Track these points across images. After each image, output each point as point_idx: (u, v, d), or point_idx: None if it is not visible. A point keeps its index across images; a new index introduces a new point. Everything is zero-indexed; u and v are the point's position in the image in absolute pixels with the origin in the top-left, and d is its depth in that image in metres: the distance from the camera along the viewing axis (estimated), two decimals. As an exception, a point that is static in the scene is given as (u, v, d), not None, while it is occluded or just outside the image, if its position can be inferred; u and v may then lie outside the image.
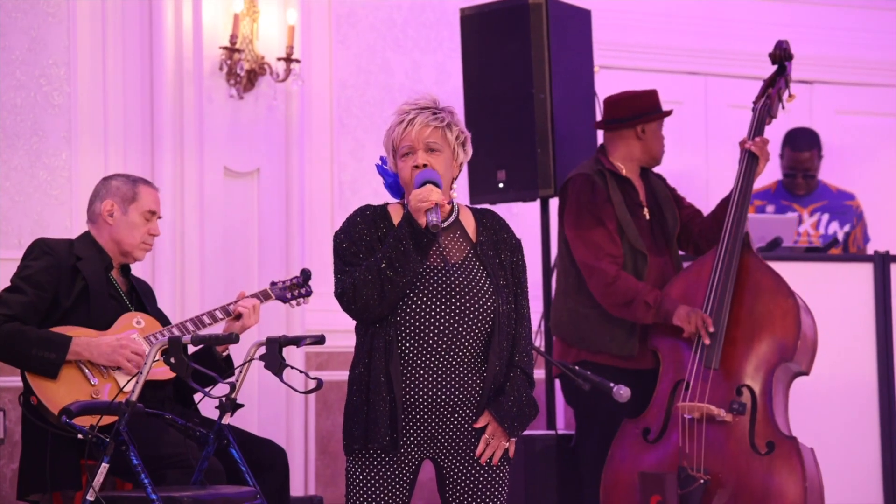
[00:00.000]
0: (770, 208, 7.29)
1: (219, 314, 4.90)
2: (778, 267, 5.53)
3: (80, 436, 4.14)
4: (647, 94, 5.73)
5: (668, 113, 5.71)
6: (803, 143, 7.36)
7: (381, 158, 3.97)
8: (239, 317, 4.88)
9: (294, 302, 5.09)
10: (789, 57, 5.71)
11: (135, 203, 4.87)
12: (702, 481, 5.24)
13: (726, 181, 5.89)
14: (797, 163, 7.33)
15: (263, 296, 5.01)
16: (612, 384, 5.05)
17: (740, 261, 5.43)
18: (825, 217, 7.30)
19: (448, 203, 3.88)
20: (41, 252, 4.79)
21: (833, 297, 5.99)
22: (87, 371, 4.66)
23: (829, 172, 7.64)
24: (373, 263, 3.74)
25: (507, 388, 3.81)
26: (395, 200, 3.96)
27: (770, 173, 6.58)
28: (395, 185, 3.93)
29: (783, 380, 5.40)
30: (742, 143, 5.59)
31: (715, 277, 5.40)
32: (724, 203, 5.61)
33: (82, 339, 4.65)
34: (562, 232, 5.65)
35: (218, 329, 4.86)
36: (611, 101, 5.71)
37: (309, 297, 5.10)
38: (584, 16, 6.33)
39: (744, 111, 5.92)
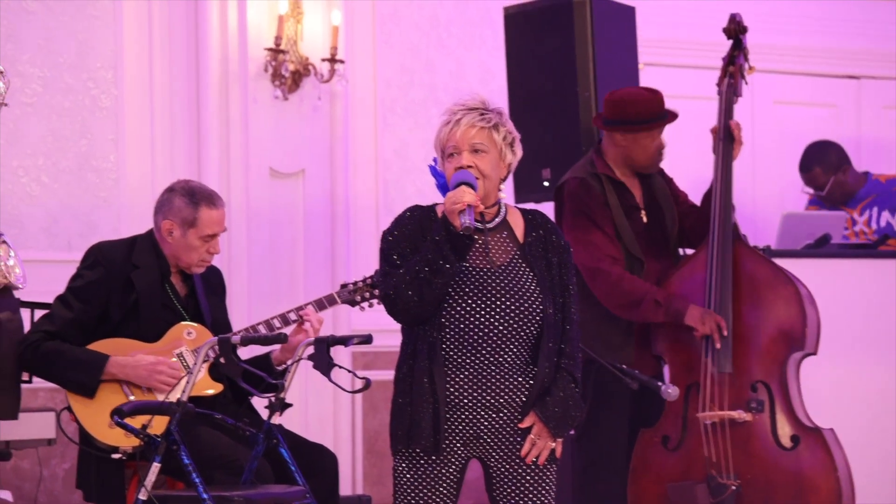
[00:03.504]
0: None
1: (276, 322, 4.89)
2: (827, 264, 5.46)
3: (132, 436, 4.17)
4: (639, 99, 5.48)
5: (638, 126, 5.42)
6: (803, 163, 7.21)
7: (434, 159, 3.97)
8: (302, 329, 4.84)
9: (365, 304, 5.03)
10: (744, 30, 5.56)
11: (194, 228, 4.80)
12: (733, 487, 5.18)
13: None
14: (809, 182, 7.18)
15: (329, 301, 4.97)
16: (660, 383, 5.01)
17: (733, 253, 5.31)
18: (875, 210, 7.17)
19: (494, 204, 3.88)
20: (95, 262, 4.79)
21: (889, 294, 5.88)
22: (125, 388, 4.69)
23: (880, 167, 7.57)
24: (412, 265, 3.74)
25: (553, 389, 3.81)
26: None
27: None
28: (445, 186, 3.92)
29: (794, 368, 5.30)
30: (714, 130, 5.48)
31: (712, 274, 5.28)
32: (708, 196, 5.48)
33: (118, 359, 4.66)
34: None
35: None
36: (607, 99, 5.54)
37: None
38: (628, 12, 6.30)
39: (789, 107, 5.88)
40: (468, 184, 3.75)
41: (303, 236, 6.83)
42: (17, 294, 4.67)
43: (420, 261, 3.73)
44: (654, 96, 5.50)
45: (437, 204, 3.93)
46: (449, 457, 3.80)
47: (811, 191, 7.18)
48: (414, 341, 3.80)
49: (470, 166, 3.79)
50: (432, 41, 7.30)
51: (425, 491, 3.80)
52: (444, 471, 3.80)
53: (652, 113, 5.46)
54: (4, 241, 3.69)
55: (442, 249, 3.71)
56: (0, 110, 3.81)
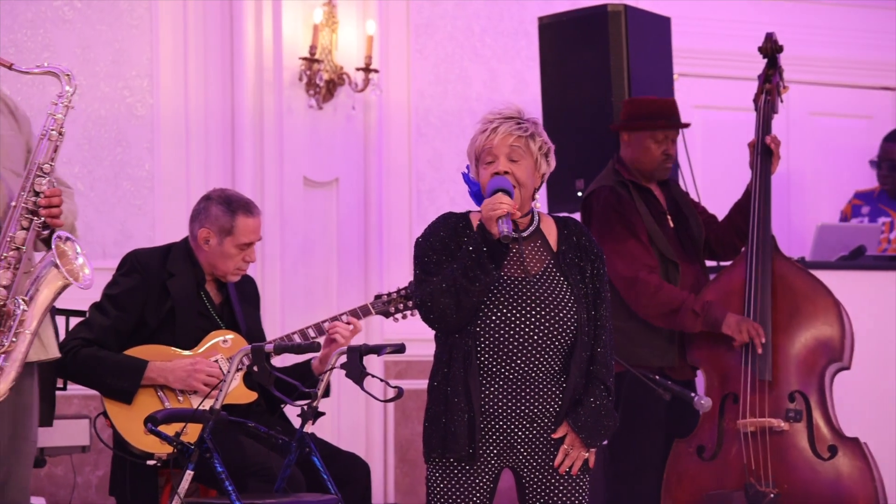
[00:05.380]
0: (865, 209, 7.14)
1: (311, 332, 4.90)
2: (862, 276, 5.44)
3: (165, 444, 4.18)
4: (647, 101, 5.57)
5: (639, 124, 5.46)
6: (892, 134, 7.17)
7: (468, 167, 3.97)
8: (333, 340, 4.85)
9: (399, 316, 5.02)
10: (779, 49, 5.60)
11: (231, 236, 4.82)
12: (772, 495, 5.16)
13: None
14: (886, 153, 7.12)
15: (363, 311, 4.97)
16: (693, 394, 5.00)
17: (772, 265, 5.32)
18: None
19: (528, 213, 3.88)
20: (131, 269, 4.82)
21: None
22: (161, 394, 4.70)
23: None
24: (448, 273, 3.74)
25: (586, 399, 3.80)
26: (478, 209, 3.96)
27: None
28: (478, 194, 3.92)
29: (829, 380, 5.30)
30: (753, 144, 5.48)
31: (750, 284, 5.28)
32: (739, 207, 5.49)
33: (157, 363, 4.69)
34: None
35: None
36: (623, 103, 5.62)
37: (416, 311, 4.99)
38: (663, 23, 6.30)
39: (825, 119, 5.86)
40: (505, 191, 3.74)
41: (336, 245, 6.84)
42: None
43: (457, 269, 3.72)
44: (665, 101, 5.57)
45: (470, 211, 3.93)
46: (483, 466, 3.79)
47: (876, 169, 7.13)
48: (448, 350, 3.79)
49: (507, 172, 3.79)
50: (466, 51, 7.30)
51: (459, 500, 3.79)
52: (478, 480, 3.80)
53: (656, 114, 5.48)
54: (70, 239, 3.72)
55: (479, 257, 3.70)
56: (66, 113, 3.83)
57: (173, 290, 4.78)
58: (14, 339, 3.69)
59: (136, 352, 4.73)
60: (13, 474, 3.83)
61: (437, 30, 7.25)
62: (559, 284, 3.81)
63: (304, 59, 6.67)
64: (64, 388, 4.95)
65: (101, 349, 4.69)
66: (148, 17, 6.53)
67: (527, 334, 3.75)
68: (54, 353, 3.90)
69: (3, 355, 3.67)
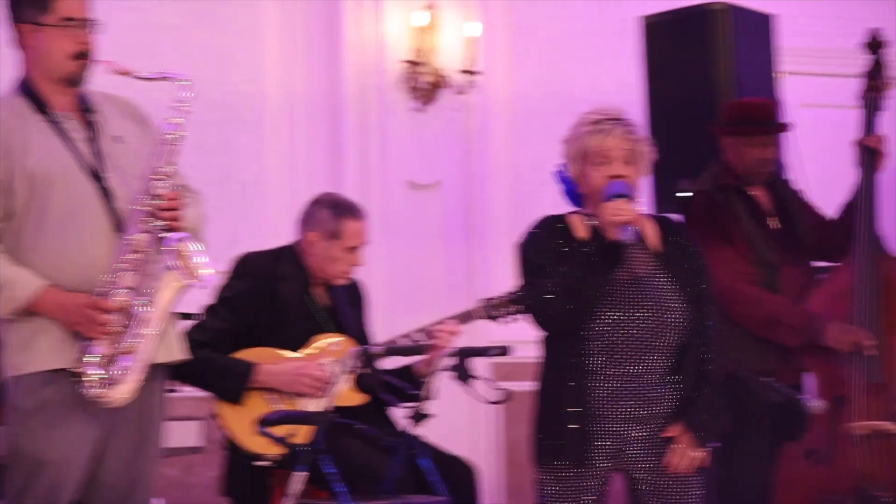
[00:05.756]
0: None
1: (417, 335, 4.93)
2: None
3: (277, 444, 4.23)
4: (743, 103, 5.50)
5: (733, 129, 5.40)
6: None
7: (561, 165, 3.96)
8: (436, 343, 4.88)
9: (506, 320, 5.03)
10: (884, 45, 5.52)
11: (338, 240, 4.88)
12: (887, 500, 5.09)
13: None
14: None
15: (469, 315, 4.98)
16: (803, 395, 4.95)
17: (880, 266, 5.23)
18: None
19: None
20: (242, 272, 4.89)
21: None
22: (271, 396, 4.76)
23: None
24: (561, 276, 3.74)
25: (699, 398, 3.78)
26: (574, 209, 3.95)
27: None
28: (573, 193, 3.92)
29: None
30: (858, 142, 5.40)
31: (859, 286, 5.20)
32: (849, 208, 5.40)
33: (265, 366, 4.74)
34: None
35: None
36: (722, 105, 5.57)
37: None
38: (766, 21, 6.24)
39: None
40: (625, 196, 3.73)
41: (440, 248, 6.86)
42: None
43: (570, 272, 3.72)
44: (763, 104, 5.49)
45: (568, 213, 3.92)
46: (594, 469, 3.79)
47: None
48: (558, 353, 3.80)
49: (625, 176, 3.79)
50: (568, 52, 7.28)
51: (570, 503, 3.79)
52: (588, 483, 3.80)
53: (752, 118, 5.41)
54: (190, 241, 3.78)
55: (594, 261, 3.70)
56: (184, 118, 3.90)
57: (282, 294, 4.84)
58: (138, 341, 3.75)
59: (246, 354, 4.79)
60: (140, 478, 3.89)
61: (538, 31, 7.23)
62: (666, 285, 3.80)
63: (406, 62, 6.70)
64: (175, 391, 5.01)
65: (214, 351, 4.76)
66: (252, 24, 6.60)
67: (637, 336, 3.74)
68: (180, 354, 3.96)
69: (129, 356, 3.74)
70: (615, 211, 3.70)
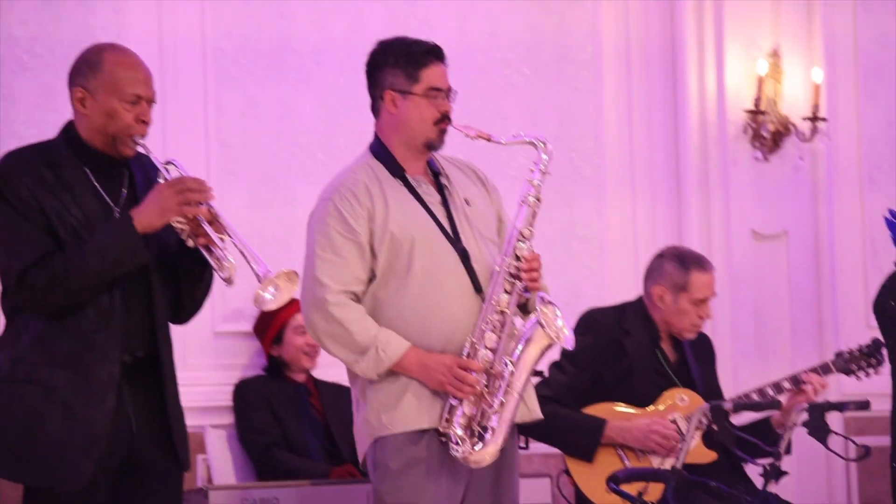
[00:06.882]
0: None
1: (785, 384, 4.82)
2: None
3: (627, 503, 4.19)
4: None
5: None
6: None
7: (890, 211, 3.81)
8: (801, 392, 4.77)
9: (861, 374, 4.89)
10: None
11: (685, 293, 4.85)
12: None
13: None
14: None
15: (823, 369, 4.86)
16: None
17: None
18: None
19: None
20: (587, 328, 4.91)
21: None
22: (621, 453, 4.74)
23: None
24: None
25: None
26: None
27: None
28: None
29: None
30: None
31: None
32: None
33: (615, 423, 4.74)
34: None
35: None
36: None
37: (879, 369, 4.86)
38: None
39: None
40: None
41: (788, 300, 6.70)
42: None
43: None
44: None
45: None
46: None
47: None
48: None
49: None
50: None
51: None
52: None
53: None
54: (551, 302, 3.83)
55: None
56: (543, 180, 3.96)
57: (629, 348, 4.83)
58: (503, 401, 3.79)
59: (594, 409, 4.79)
60: None
61: (888, 73, 6.99)
62: None
63: (749, 111, 6.61)
64: (526, 447, 5.05)
65: (561, 407, 4.77)
66: (593, 80, 6.65)
67: None
68: (537, 414, 3.98)
69: (494, 416, 3.78)
70: None
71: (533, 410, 3.95)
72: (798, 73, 6.69)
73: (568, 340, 3.83)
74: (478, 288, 3.86)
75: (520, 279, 3.84)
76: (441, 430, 3.79)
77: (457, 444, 3.76)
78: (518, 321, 3.90)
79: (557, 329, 3.81)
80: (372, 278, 3.87)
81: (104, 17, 5.99)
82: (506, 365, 3.80)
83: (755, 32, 6.68)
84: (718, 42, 6.64)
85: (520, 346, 3.82)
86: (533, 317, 3.83)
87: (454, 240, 3.89)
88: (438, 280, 3.84)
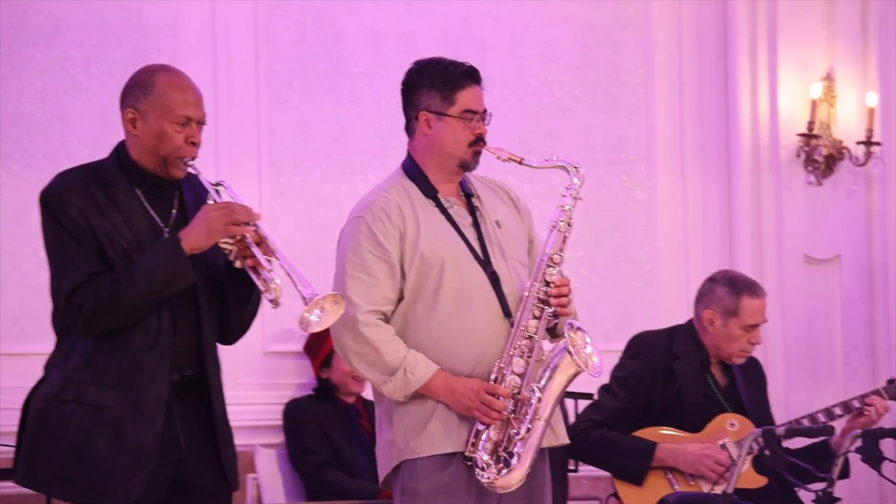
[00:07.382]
0: None
1: (837, 410, 4.78)
2: None
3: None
4: None
5: None
6: None
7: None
8: (861, 414, 4.74)
9: None
10: None
11: (736, 318, 4.81)
12: None
13: None
14: None
15: (875, 395, 4.82)
16: None
17: None
18: None
19: None
20: (637, 352, 4.88)
21: None
22: (670, 477, 4.71)
23: None
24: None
25: None
26: None
27: None
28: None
29: None
30: None
31: None
32: None
33: (667, 446, 4.71)
34: None
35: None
36: None
37: None
38: None
39: None
40: None
41: (840, 325, 6.65)
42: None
43: None
44: None
45: None
46: None
47: None
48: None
49: None
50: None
51: None
52: None
53: None
54: (580, 329, 3.80)
55: None
56: (574, 205, 3.92)
57: (679, 373, 4.80)
58: (529, 426, 3.76)
59: (644, 433, 4.77)
60: None
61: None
62: None
63: (802, 135, 6.58)
64: (575, 470, 5.04)
65: (610, 430, 4.75)
66: (644, 104, 6.64)
67: None
68: (564, 439, 3.95)
69: (520, 442, 3.76)
70: None
71: (560, 436, 3.91)
72: (852, 96, 6.65)
73: (596, 368, 3.79)
74: (507, 312, 3.83)
75: (549, 304, 3.81)
76: (467, 454, 3.77)
77: (482, 469, 3.74)
78: (546, 345, 3.87)
79: (586, 356, 3.77)
80: (401, 299, 3.86)
81: (159, 39, 6.05)
82: (533, 391, 3.78)
83: (809, 56, 6.65)
84: (772, 65, 6.61)
85: (547, 373, 3.79)
86: (561, 343, 3.80)
87: (484, 262, 3.86)
88: (467, 303, 3.82)
